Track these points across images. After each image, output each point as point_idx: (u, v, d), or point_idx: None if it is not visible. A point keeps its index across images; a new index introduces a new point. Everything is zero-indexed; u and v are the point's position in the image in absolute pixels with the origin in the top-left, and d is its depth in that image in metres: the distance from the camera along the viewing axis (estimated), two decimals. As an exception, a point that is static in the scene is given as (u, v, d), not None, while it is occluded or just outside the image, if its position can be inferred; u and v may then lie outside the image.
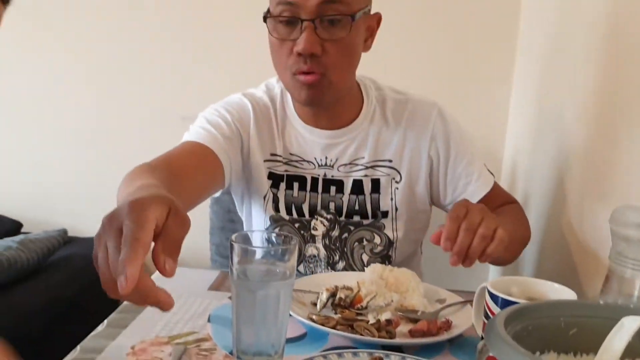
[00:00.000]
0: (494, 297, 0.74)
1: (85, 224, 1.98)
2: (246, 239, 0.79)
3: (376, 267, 1.04)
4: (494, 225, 0.88)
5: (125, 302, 0.97)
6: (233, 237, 0.77)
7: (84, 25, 1.92)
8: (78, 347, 0.82)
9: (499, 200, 1.19)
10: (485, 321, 0.78)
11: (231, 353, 0.81)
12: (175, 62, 1.91)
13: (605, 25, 1.06)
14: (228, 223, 1.57)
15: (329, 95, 1.06)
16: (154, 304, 0.57)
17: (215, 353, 0.82)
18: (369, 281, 1.00)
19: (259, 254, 0.76)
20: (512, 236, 0.94)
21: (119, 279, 0.53)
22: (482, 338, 0.79)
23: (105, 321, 0.90)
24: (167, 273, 0.56)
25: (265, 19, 1.03)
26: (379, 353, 0.72)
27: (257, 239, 0.85)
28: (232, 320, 0.78)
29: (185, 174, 0.98)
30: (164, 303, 0.57)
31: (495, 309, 0.74)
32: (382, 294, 0.98)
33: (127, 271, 0.52)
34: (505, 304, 0.72)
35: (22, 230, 1.93)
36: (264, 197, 1.18)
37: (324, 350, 0.80)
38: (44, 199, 2.02)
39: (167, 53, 1.91)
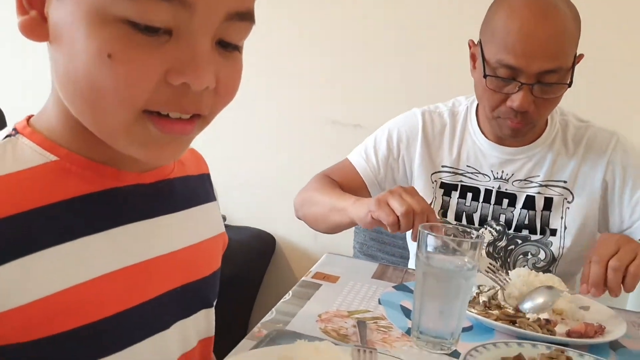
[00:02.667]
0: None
1: (238, 212, 2.17)
2: (434, 230, 0.87)
3: (521, 271, 1.09)
4: None
5: (304, 278, 1.10)
6: (422, 226, 0.87)
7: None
8: (274, 310, 0.94)
9: None
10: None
11: (407, 332, 0.90)
12: (328, 70, 2.04)
13: None
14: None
15: (529, 132, 1.19)
16: None
17: (392, 331, 0.91)
18: (520, 282, 1.05)
19: (447, 244, 0.84)
20: None
21: None
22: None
23: (291, 292, 1.02)
24: None
25: (485, 76, 1.10)
26: (559, 347, 0.78)
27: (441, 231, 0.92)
28: (414, 303, 0.87)
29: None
30: None
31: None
32: None
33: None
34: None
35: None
36: (430, 204, 1.25)
37: (493, 341, 0.87)
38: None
39: (320, 61, 2.04)
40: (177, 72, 0.49)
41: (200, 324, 0.69)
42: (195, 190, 0.70)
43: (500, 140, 1.23)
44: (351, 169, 1.32)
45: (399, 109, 1.39)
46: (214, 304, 0.72)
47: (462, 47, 1.25)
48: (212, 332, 0.72)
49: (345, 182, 1.30)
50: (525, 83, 1.06)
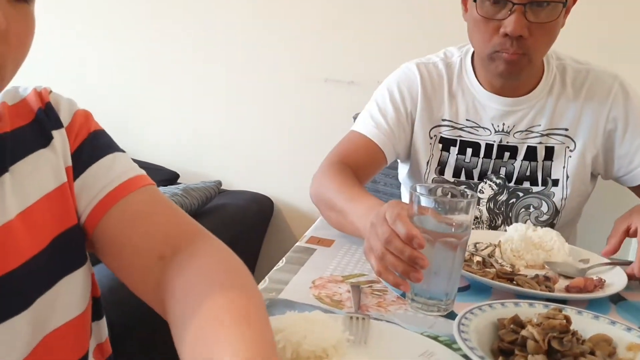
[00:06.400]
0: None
1: (235, 177, 2.15)
2: (426, 191, 0.85)
3: (519, 226, 1.07)
4: None
5: (298, 243, 1.08)
6: (414, 187, 0.84)
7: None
8: (267, 278, 0.93)
9: None
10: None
11: (402, 295, 0.88)
12: (320, 26, 1.98)
13: None
14: (370, 183, 1.65)
15: (525, 71, 1.12)
16: None
17: (387, 294, 0.89)
18: (518, 237, 1.03)
19: (438, 205, 0.81)
20: None
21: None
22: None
23: (284, 258, 1.01)
24: None
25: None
26: (556, 305, 0.76)
27: (435, 192, 0.89)
28: (409, 264, 0.85)
29: (358, 169, 1.17)
30: None
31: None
32: (530, 250, 1.02)
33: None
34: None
35: (179, 180, 2.13)
36: (427, 162, 1.24)
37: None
38: (198, 153, 2.20)
39: (313, 17, 1.98)
40: None
41: (66, 294, 0.62)
42: (18, 143, 0.61)
43: (499, 91, 1.19)
44: (363, 141, 1.22)
45: (392, 63, 1.34)
46: (84, 265, 0.65)
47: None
48: (84, 304, 0.65)
49: (360, 157, 1.21)
50: (518, 3, 1.02)
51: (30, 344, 0.59)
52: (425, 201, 0.82)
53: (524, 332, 0.66)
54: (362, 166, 1.20)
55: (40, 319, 0.59)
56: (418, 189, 0.83)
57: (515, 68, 1.10)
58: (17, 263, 0.57)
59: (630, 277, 0.94)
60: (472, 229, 1.21)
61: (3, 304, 0.56)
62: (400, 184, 1.47)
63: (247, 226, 1.94)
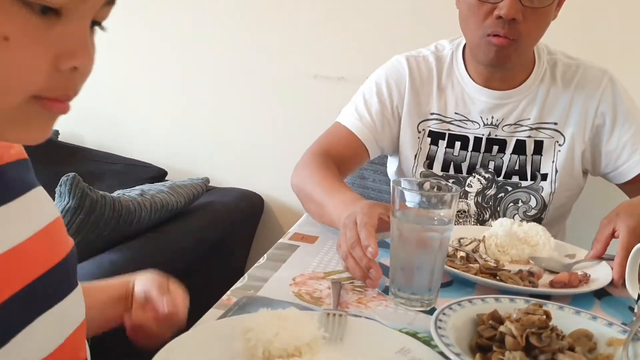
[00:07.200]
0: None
1: (225, 174, 2.13)
2: (409, 185, 0.83)
3: (504, 222, 1.06)
4: None
5: (281, 240, 1.06)
6: (397, 181, 0.82)
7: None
8: (246, 275, 0.91)
9: None
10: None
11: (384, 291, 0.87)
12: (309, 21, 1.97)
13: None
14: (358, 179, 1.63)
15: (514, 59, 1.11)
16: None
17: (369, 290, 0.87)
18: (503, 232, 1.02)
19: (421, 199, 0.80)
20: None
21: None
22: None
23: (266, 255, 0.99)
24: None
25: None
26: (537, 300, 0.74)
27: (421, 186, 0.88)
28: (391, 260, 0.84)
29: (340, 162, 1.18)
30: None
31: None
32: (515, 246, 1.01)
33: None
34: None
35: (166, 178, 2.11)
36: (415, 156, 1.23)
37: (473, 296, 0.84)
38: (187, 150, 2.18)
39: (303, 13, 1.97)
40: (70, 56, 0.45)
41: (70, 309, 0.61)
42: (20, 176, 0.60)
43: (489, 84, 1.18)
44: (346, 133, 1.22)
45: (382, 59, 1.32)
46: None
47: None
48: (83, 316, 0.64)
49: (343, 150, 1.21)
50: None
51: None
52: (407, 195, 0.81)
53: (502, 328, 0.65)
54: (344, 159, 1.20)
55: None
56: (402, 183, 0.82)
57: (505, 55, 1.09)
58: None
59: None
60: (460, 223, 1.21)
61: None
62: (389, 179, 1.46)
63: (236, 224, 1.92)
